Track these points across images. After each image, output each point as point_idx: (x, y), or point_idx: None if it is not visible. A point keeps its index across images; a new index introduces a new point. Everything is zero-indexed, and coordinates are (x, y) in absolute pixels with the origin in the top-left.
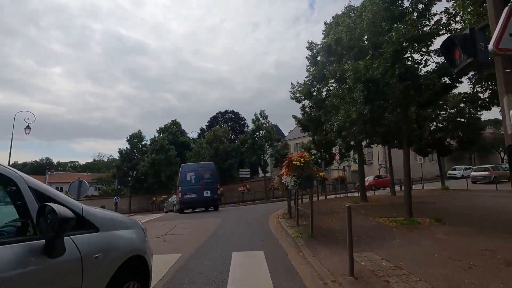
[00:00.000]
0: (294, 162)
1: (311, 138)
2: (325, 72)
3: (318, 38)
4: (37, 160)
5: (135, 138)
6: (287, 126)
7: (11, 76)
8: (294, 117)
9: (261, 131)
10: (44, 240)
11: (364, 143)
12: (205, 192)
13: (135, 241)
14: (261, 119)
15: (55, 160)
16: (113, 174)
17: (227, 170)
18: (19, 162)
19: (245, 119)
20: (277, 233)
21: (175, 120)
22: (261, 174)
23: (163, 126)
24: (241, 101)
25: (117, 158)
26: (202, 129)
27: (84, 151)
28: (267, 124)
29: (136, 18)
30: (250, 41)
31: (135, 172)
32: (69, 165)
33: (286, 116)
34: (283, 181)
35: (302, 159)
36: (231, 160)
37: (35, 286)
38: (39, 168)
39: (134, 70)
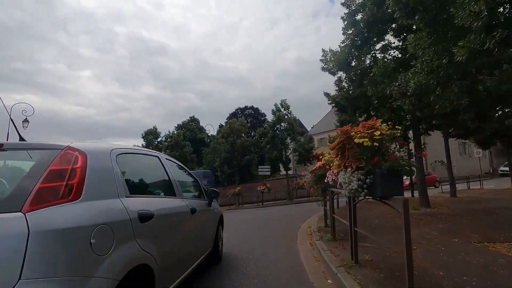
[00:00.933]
0: (359, 140)
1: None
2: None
3: (339, 29)
4: None
5: (150, 135)
6: (310, 122)
7: (45, 80)
8: (327, 95)
9: (282, 123)
10: (207, 201)
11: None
12: None
13: (219, 206)
14: (282, 109)
15: None
16: None
17: (245, 167)
18: None
19: (265, 115)
20: (319, 280)
21: (193, 116)
22: (283, 172)
23: (181, 123)
24: (261, 99)
25: None
26: (220, 125)
27: None
28: (289, 115)
29: (157, 20)
30: (269, 38)
31: None
32: None
33: (308, 113)
34: (328, 179)
35: (377, 133)
36: (249, 156)
37: (207, 215)
38: None
39: (157, 71)
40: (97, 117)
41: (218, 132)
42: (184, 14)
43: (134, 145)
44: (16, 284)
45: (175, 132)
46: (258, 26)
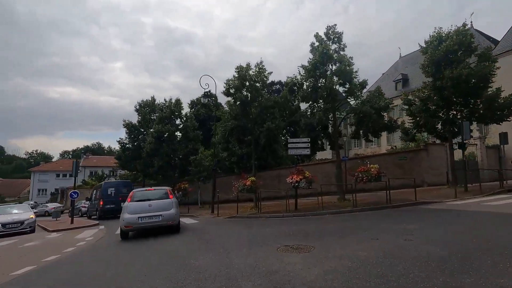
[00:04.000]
0: None
1: None
2: None
3: (369, 7)
4: (89, 145)
5: (146, 107)
6: None
7: (81, 73)
8: None
9: (330, 65)
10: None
11: None
12: (122, 203)
13: None
14: (329, 43)
15: (105, 145)
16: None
17: (268, 145)
18: (80, 146)
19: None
20: None
21: (209, 91)
22: (326, 153)
23: (195, 99)
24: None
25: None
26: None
27: None
28: (342, 53)
29: (181, 8)
30: (294, 20)
31: (140, 151)
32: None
33: None
34: None
35: None
36: (271, 123)
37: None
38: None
39: (183, 60)
40: (130, 107)
41: (226, 90)
42: (207, 0)
43: None
44: (172, 208)
45: (189, 111)
46: (283, 8)
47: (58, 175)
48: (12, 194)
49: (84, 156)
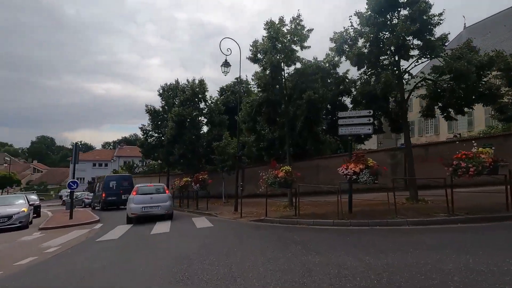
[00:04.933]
0: None
1: None
2: None
3: None
4: (127, 136)
5: (169, 91)
6: None
7: (122, 70)
8: None
9: (397, 12)
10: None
11: None
12: (123, 196)
13: None
14: None
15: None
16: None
17: (307, 125)
18: (119, 137)
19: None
20: None
21: (238, 77)
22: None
23: (224, 86)
24: None
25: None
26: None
27: None
28: None
29: (212, 1)
30: (329, 7)
31: (162, 139)
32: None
33: None
34: None
35: None
36: (311, 93)
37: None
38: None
39: (217, 54)
40: None
41: (253, 55)
42: None
43: None
44: (168, 201)
45: (218, 97)
46: None
47: (94, 165)
48: (55, 182)
49: (119, 146)
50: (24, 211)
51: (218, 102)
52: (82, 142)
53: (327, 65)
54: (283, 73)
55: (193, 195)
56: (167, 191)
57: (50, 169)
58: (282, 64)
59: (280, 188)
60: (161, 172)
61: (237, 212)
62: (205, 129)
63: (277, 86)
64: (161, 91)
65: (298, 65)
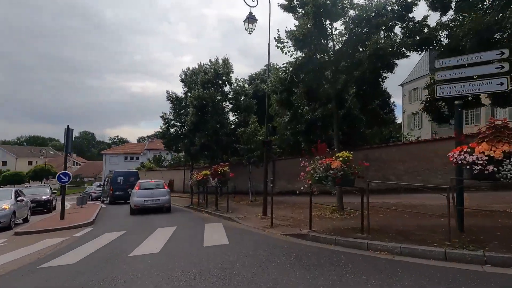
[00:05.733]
0: None
1: None
2: None
3: None
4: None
5: (192, 76)
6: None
7: (157, 68)
8: None
9: None
10: None
11: None
12: (129, 191)
13: None
14: None
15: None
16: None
17: (366, 97)
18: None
19: None
20: None
21: (268, 63)
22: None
23: (253, 73)
24: None
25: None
26: None
27: None
28: None
29: None
30: None
31: (183, 129)
32: None
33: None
34: None
35: None
36: (379, 39)
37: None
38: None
39: (245, 49)
40: None
41: (288, 2)
42: None
43: None
44: (166, 195)
45: (247, 86)
46: None
47: (126, 158)
48: (91, 174)
49: (149, 140)
50: (5, 208)
51: (246, 84)
52: (119, 137)
53: (396, 6)
54: (329, 26)
55: (217, 191)
56: (166, 187)
57: (88, 162)
58: (330, 7)
59: (334, 186)
60: (186, 165)
61: (266, 217)
62: (230, 117)
63: (323, 40)
64: (183, 76)
65: (351, 12)
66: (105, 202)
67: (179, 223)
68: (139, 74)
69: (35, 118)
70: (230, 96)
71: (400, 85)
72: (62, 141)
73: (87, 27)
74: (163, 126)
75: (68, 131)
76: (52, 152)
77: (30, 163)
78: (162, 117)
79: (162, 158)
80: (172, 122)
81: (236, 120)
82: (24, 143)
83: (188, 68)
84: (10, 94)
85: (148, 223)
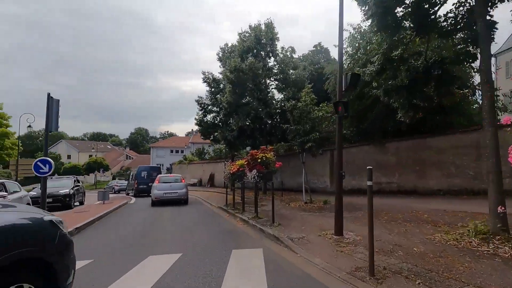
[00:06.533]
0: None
1: None
2: None
3: None
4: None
5: (231, 53)
6: None
7: (204, 67)
8: None
9: None
10: None
11: None
12: (150, 185)
13: None
14: None
15: None
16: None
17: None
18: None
19: None
20: None
21: (319, 44)
22: None
23: (300, 55)
24: None
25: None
26: None
27: None
28: None
29: None
30: None
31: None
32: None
33: None
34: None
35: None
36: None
37: None
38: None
39: (289, 43)
40: None
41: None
42: None
43: None
44: (184, 188)
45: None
46: None
47: (172, 151)
48: None
49: (194, 133)
50: None
51: (294, 55)
52: (168, 132)
53: None
54: None
55: (257, 186)
56: (183, 181)
57: (139, 155)
58: None
59: None
60: (227, 156)
61: (342, 238)
62: (276, 95)
63: None
64: (220, 54)
65: None
66: (129, 194)
67: (191, 241)
68: (188, 73)
69: (100, 117)
70: (275, 71)
71: (493, 55)
72: (120, 136)
73: (141, 32)
74: (199, 112)
75: (49, 100)
76: (109, 147)
77: (90, 156)
78: (197, 101)
79: (205, 150)
80: (209, 107)
81: (283, 97)
82: (86, 139)
83: (226, 45)
84: (81, 96)
85: (139, 246)
